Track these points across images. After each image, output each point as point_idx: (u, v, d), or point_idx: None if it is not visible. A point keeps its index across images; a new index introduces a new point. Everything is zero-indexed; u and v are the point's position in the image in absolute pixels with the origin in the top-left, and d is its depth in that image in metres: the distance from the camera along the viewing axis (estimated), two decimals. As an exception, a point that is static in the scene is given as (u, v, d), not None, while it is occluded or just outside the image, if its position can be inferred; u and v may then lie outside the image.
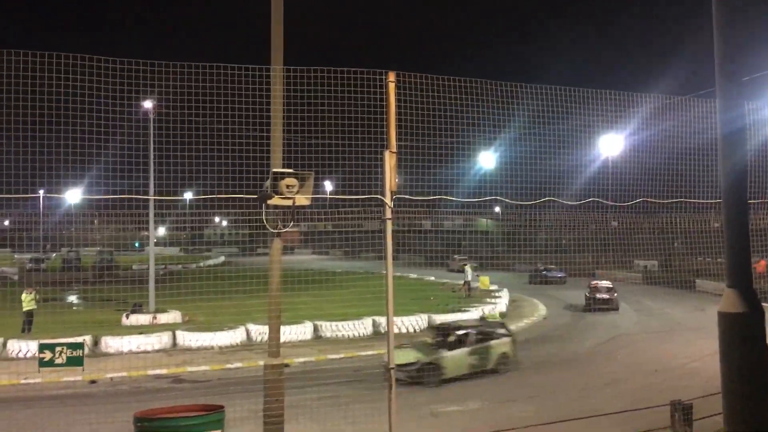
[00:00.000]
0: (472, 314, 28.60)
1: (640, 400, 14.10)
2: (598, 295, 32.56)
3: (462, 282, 37.02)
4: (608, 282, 33.38)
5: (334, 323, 25.69)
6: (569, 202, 11.97)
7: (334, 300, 30.53)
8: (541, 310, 33.60)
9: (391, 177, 7.61)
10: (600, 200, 12.10)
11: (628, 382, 18.01)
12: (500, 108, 11.49)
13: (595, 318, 30.88)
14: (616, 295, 32.85)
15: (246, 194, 9.71)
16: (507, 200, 11.41)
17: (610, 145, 16.66)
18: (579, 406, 14.67)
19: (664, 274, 37.10)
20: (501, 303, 33.24)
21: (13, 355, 21.77)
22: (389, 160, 7.65)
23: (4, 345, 22.26)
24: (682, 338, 24.84)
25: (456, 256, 42.57)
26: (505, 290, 36.84)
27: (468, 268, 36.62)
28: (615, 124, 13.22)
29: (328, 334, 25.37)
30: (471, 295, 35.48)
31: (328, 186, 13.23)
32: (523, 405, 15.47)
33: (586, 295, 33.16)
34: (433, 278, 43.73)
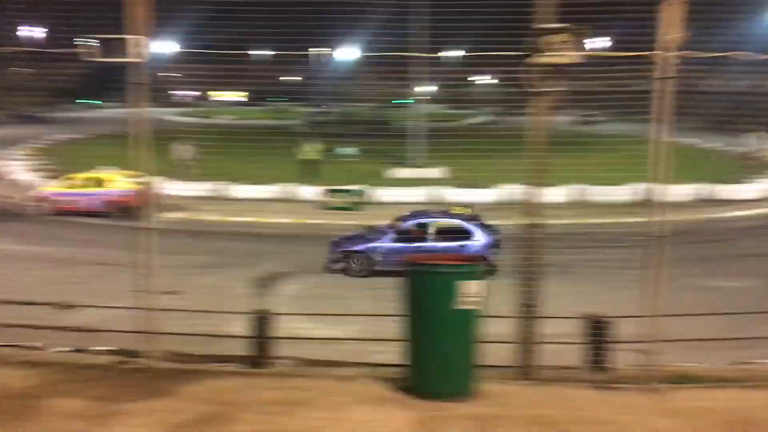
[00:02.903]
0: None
1: None
2: None
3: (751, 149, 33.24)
4: None
5: (598, 187, 24.92)
6: None
7: (600, 163, 29.45)
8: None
9: (670, 30, 6.86)
10: None
11: None
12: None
13: None
14: None
15: (510, 51, 9.48)
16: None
17: None
18: None
19: None
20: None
21: (301, 198, 24.56)
22: (668, 11, 6.87)
23: (293, 189, 25.17)
24: None
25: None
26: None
27: (755, 136, 32.71)
28: None
29: (592, 198, 24.74)
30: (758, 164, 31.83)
31: (599, 42, 12.39)
32: None
33: None
34: (716, 146, 39.88)
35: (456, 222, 15.59)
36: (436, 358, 6.03)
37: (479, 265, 6.19)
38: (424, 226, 15.54)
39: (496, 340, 6.73)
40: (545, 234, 6.91)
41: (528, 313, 6.72)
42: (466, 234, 15.19)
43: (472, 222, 15.60)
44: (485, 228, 15.53)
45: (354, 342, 8.95)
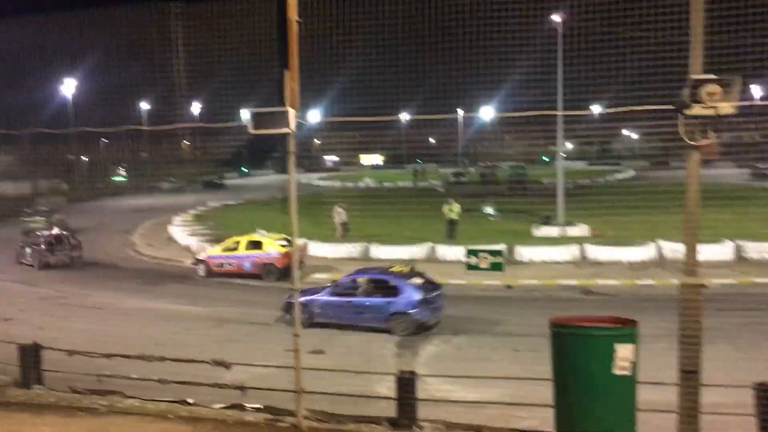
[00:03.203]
0: None
1: None
2: None
3: None
4: None
5: (760, 243, 23.07)
6: None
7: (761, 218, 27.37)
8: None
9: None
10: None
11: None
12: None
13: None
14: None
15: (659, 104, 9.14)
16: None
17: None
18: None
19: None
20: None
21: (440, 258, 24.60)
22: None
23: (433, 249, 25.29)
24: None
25: None
26: None
27: None
28: None
29: (753, 256, 22.91)
30: None
31: (757, 91, 11.65)
32: None
33: None
34: None
35: (385, 278, 15.93)
36: (592, 425, 5.70)
37: (636, 327, 5.85)
38: (356, 281, 16.20)
39: (652, 408, 6.31)
40: (705, 294, 6.44)
41: (689, 380, 6.24)
42: (393, 290, 15.45)
43: (410, 279, 15.77)
44: (420, 286, 15.59)
45: (497, 406, 8.71)
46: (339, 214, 28.76)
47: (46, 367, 9.31)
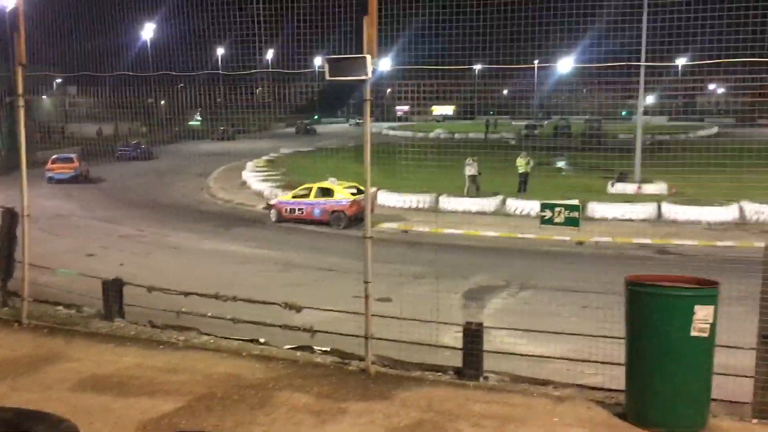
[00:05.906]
0: None
1: None
2: None
3: None
4: None
5: None
6: None
7: None
8: None
9: None
10: None
11: None
12: None
13: None
14: None
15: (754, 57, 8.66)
16: None
17: None
18: None
19: None
20: None
21: (511, 211, 24.34)
22: None
23: (504, 202, 25.02)
24: None
25: None
26: None
27: None
28: None
29: None
30: None
31: None
32: None
33: None
34: None
35: None
36: (666, 387, 5.60)
37: (717, 288, 5.67)
38: None
39: (728, 372, 6.14)
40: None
41: (769, 345, 6.02)
42: None
43: None
44: None
45: (561, 361, 8.64)
46: (469, 167, 27.08)
47: (127, 301, 9.75)
